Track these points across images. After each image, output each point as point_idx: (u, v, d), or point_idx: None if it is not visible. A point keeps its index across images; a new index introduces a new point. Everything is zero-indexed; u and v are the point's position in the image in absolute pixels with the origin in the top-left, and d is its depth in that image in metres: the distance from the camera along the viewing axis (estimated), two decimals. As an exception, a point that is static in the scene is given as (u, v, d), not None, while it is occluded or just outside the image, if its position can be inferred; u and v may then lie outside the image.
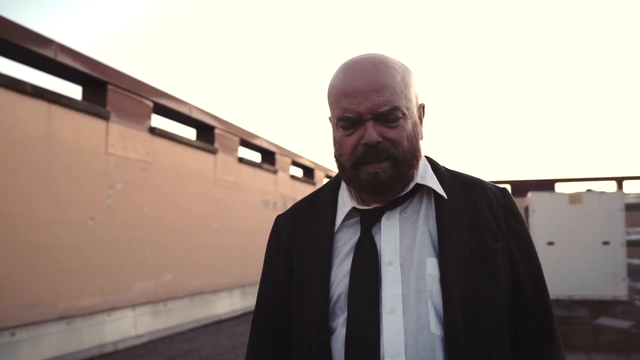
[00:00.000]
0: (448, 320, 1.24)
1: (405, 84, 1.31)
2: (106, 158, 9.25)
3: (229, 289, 13.11)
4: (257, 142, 15.48)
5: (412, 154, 1.31)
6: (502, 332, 1.29)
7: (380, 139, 1.27)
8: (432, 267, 1.29)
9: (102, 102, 9.30)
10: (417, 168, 1.35)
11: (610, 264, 8.44)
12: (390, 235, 1.33)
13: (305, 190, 18.75)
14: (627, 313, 8.40)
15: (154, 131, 10.57)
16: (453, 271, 1.27)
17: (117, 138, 9.52)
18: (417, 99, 1.36)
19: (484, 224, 1.34)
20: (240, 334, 10.55)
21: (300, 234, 1.42)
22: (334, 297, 1.32)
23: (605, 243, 8.48)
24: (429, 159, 1.45)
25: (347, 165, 1.32)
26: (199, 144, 12.37)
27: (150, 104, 10.58)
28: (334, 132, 1.36)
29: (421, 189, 1.37)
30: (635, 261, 12.23)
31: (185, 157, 11.75)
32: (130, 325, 9.51)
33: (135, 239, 9.89)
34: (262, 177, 15.59)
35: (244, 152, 15.20)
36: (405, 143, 1.30)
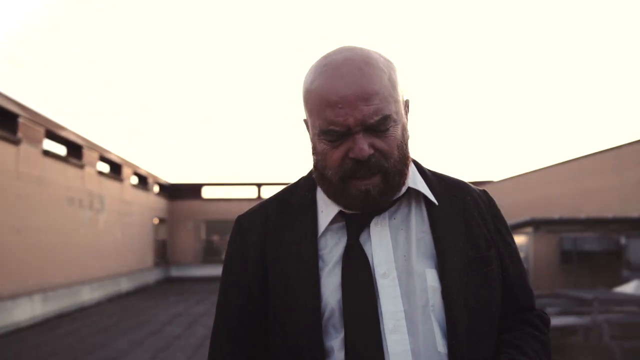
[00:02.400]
0: (452, 337, 1.17)
1: (393, 84, 1.20)
2: None
3: (29, 293, 11.93)
4: (64, 134, 14.29)
5: (403, 163, 1.21)
6: (495, 342, 1.24)
7: (371, 152, 1.16)
8: (432, 278, 1.20)
9: None
10: (408, 174, 1.26)
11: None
12: (382, 243, 1.22)
13: (113, 187, 17.78)
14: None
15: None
16: (454, 282, 1.19)
17: None
18: (403, 96, 1.25)
19: (476, 229, 1.28)
20: (44, 344, 9.65)
21: (274, 239, 1.27)
22: (326, 314, 1.19)
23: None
24: (413, 161, 1.34)
25: (334, 180, 1.20)
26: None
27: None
28: (314, 141, 1.23)
29: (408, 192, 1.27)
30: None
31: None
32: None
33: None
34: (68, 172, 14.44)
35: (49, 145, 13.95)
36: (396, 152, 1.19)
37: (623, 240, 11.17)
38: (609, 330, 7.12)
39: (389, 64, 1.22)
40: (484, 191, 1.41)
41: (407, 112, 1.27)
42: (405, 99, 1.27)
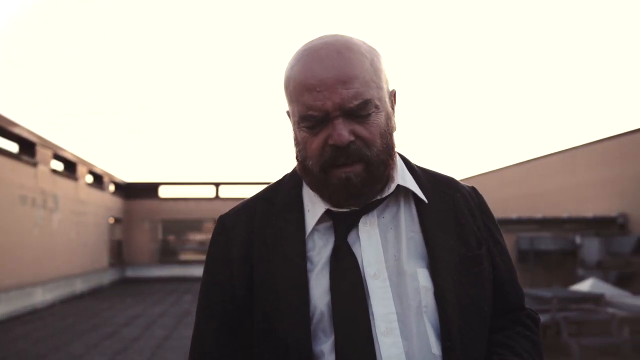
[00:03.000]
0: (446, 338, 1.14)
1: (375, 70, 1.15)
2: None
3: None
4: (17, 130, 13.85)
5: (386, 153, 1.16)
6: (487, 342, 1.21)
7: (351, 138, 1.11)
8: (424, 278, 1.16)
9: None
10: (393, 167, 1.20)
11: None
12: (371, 243, 1.18)
13: (67, 186, 17.35)
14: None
15: None
16: (447, 282, 1.16)
17: None
18: (388, 85, 1.20)
19: (467, 227, 1.25)
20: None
21: (260, 239, 1.21)
22: (315, 318, 1.15)
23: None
24: (400, 156, 1.30)
25: (315, 170, 1.15)
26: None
27: None
28: (295, 130, 1.18)
29: (397, 189, 1.22)
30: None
31: None
32: None
33: None
34: (21, 171, 13.99)
35: (0, 142, 13.50)
36: (379, 141, 1.14)
37: (578, 240, 11.45)
38: (567, 327, 7.26)
39: (371, 50, 1.18)
40: (473, 188, 1.38)
41: (393, 102, 1.23)
42: (391, 89, 1.22)
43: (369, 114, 1.12)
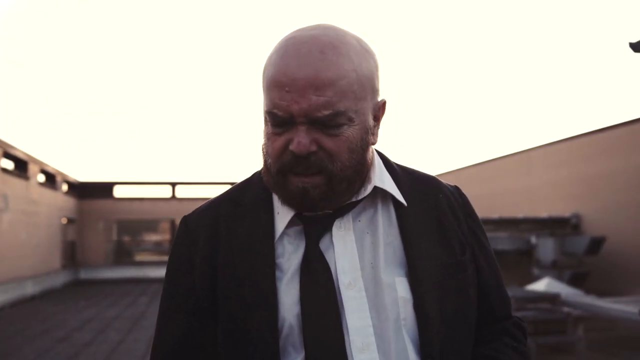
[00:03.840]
0: (427, 355, 1.05)
1: (360, 78, 1.03)
2: None
3: None
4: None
5: (354, 169, 1.05)
6: (471, 354, 1.14)
7: (313, 149, 1.01)
8: (402, 288, 1.07)
9: None
10: (358, 181, 1.10)
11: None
12: (346, 249, 1.08)
13: (18, 185, 16.83)
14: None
15: None
16: (427, 292, 1.07)
17: None
18: (375, 94, 1.09)
19: (450, 231, 1.15)
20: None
21: (226, 244, 1.11)
22: (284, 331, 1.05)
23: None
24: (378, 153, 1.20)
25: (273, 171, 1.06)
26: None
27: None
28: (264, 124, 1.09)
29: (374, 190, 1.13)
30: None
31: None
32: None
33: None
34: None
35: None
36: (346, 156, 1.03)
37: (533, 240, 11.63)
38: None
39: (364, 54, 1.06)
40: (456, 187, 1.28)
41: (380, 114, 1.12)
42: (379, 100, 1.11)
43: (339, 126, 1.02)
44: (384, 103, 1.12)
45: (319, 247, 1.08)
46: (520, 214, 14.18)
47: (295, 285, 1.07)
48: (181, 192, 26.08)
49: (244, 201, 1.16)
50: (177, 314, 1.14)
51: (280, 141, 1.04)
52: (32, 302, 16.54)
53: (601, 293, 9.91)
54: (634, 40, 8.08)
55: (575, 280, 10.84)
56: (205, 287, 1.10)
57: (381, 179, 1.14)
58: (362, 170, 1.09)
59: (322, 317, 1.04)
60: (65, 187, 23.23)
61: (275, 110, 1.02)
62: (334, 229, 1.10)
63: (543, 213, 13.73)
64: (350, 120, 1.03)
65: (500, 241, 11.93)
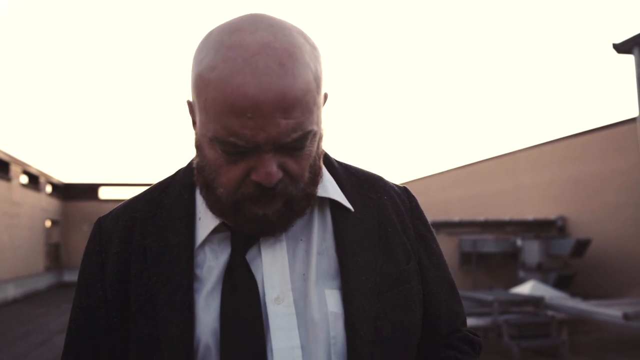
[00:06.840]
0: None
1: (318, 84, 0.89)
2: None
3: None
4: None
5: (312, 183, 0.95)
6: None
7: (280, 176, 0.89)
8: (333, 302, 0.95)
9: None
10: (316, 194, 0.99)
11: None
12: (276, 259, 0.96)
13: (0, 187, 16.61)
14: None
15: None
16: (360, 308, 0.95)
17: None
18: (323, 93, 0.96)
19: (393, 237, 1.03)
20: None
21: (139, 251, 0.98)
22: (200, 352, 0.93)
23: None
24: None
25: (225, 200, 0.92)
26: None
27: None
28: (203, 142, 0.92)
29: None
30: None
31: None
32: None
33: None
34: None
35: None
36: (307, 174, 0.93)
37: (519, 242, 11.60)
38: (507, 330, 7.29)
39: (314, 52, 0.91)
40: (404, 188, 1.15)
41: (322, 105, 0.96)
42: (324, 93, 0.96)
43: (304, 146, 0.90)
44: (327, 95, 0.97)
45: (243, 258, 0.96)
46: (506, 216, 14.18)
47: (215, 300, 0.94)
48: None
49: (163, 203, 1.03)
50: (85, 329, 1.02)
51: (238, 171, 0.89)
52: (14, 305, 16.31)
53: (586, 295, 9.91)
54: (618, 42, 8.07)
55: (560, 283, 10.83)
56: (117, 300, 0.98)
57: (324, 186, 1.02)
58: (318, 181, 0.98)
59: (244, 337, 0.91)
60: (49, 189, 22.99)
61: (234, 140, 0.85)
62: (263, 237, 0.97)
63: (529, 215, 13.73)
64: (314, 135, 0.91)
65: (486, 243, 11.90)
